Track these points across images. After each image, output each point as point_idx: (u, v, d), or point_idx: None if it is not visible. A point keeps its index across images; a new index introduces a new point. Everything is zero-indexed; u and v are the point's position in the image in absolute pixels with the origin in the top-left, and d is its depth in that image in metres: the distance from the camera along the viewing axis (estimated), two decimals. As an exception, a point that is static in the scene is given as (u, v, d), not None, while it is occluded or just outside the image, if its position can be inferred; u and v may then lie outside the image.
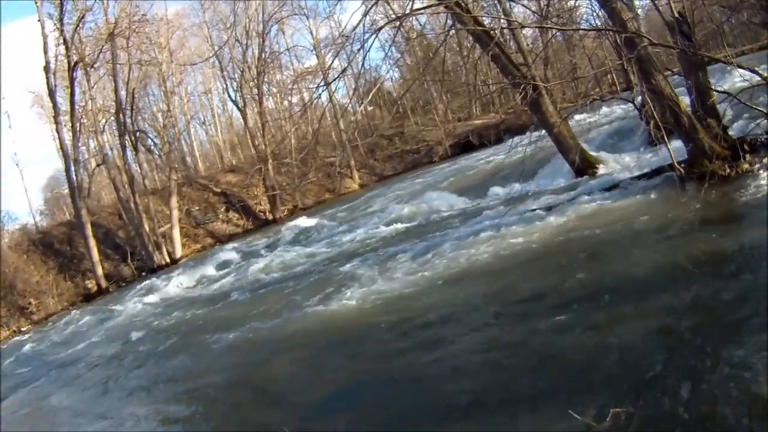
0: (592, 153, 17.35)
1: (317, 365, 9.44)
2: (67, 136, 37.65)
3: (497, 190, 19.46)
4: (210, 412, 9.22)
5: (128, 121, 40.75)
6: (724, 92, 11.48)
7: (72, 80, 36.89)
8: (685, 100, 11.95)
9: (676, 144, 12.04)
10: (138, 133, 42.86)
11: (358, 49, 14.36)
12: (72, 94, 37.25)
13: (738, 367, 5.20)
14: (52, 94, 37.39)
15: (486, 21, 17.37)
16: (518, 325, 8.09)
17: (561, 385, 6.06)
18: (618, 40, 12.68)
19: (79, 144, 39.23)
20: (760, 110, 10.52)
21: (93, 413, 11.28)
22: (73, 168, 36.99)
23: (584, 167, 16.49)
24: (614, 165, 16.29)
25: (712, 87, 11.79)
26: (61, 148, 37.91)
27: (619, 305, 7.41)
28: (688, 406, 4.97)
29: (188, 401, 10.05)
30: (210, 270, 25.51)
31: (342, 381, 8.39)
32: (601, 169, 16.20)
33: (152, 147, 46.65)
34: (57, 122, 38.02)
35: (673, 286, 7.50)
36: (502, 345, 7.61)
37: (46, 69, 36.47)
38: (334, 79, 20.74)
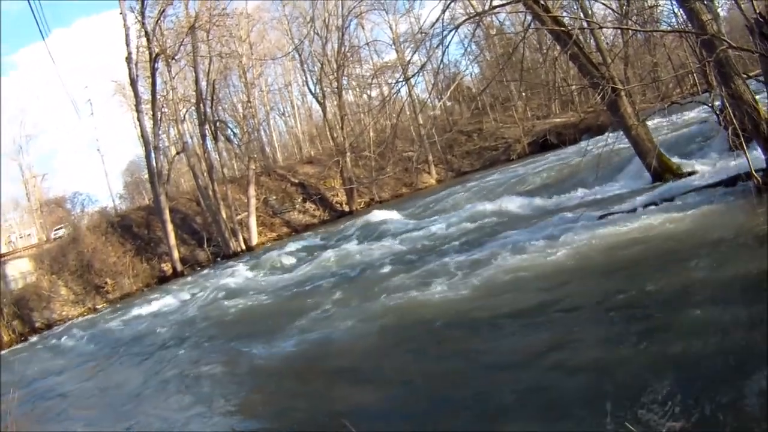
0: (670, 156, 16.95)
1: (379, 359, 9.61)
2: (148, 124, 38.93)
3: (572, 192, 19.18)
4: (270, 399, 9.44)
5: (208, 110, 41.78)
6: (804, 100, 11.07)
7: (153, 71, 38.12)
8: (765, 106, 11.54)
9: (756, 151, 11.68)
10: (218, 123, 43.92)
11: (438, 45, 14.38)
12: (153, 84, 38.51)
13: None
14: (134, 83, 38.72)
15: (565, 19, 17.14)
16: (578, 332, 8.00)
17: (618, 396, 5.97)
18: (697, 42, 12.34)
19: (160, 132, 40.59)
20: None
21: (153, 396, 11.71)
22: (153, 155, 38.27)
23: (661, 171, 16.13)
24: (691, 170, 15.87)
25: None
26: (142, 135, 39.30)
27: (683, 317, 7.24)
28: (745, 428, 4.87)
29: (250, 386, 10.34)
30: (285, 259, 25.98)
31: (400, 376, 8.50)
32: (678, 174, 15.83)
33: (231, 136, 47.81)
34: (138, 111, 39.39)
35: (741, 302, 7.29)
36: (560, 351, 7.55)
37: (128, 60, 37.80)
38: (414, 75, 20.90)
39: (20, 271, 37.01)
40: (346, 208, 45.72)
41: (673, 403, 5.51)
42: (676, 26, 16.65)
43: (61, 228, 50.34)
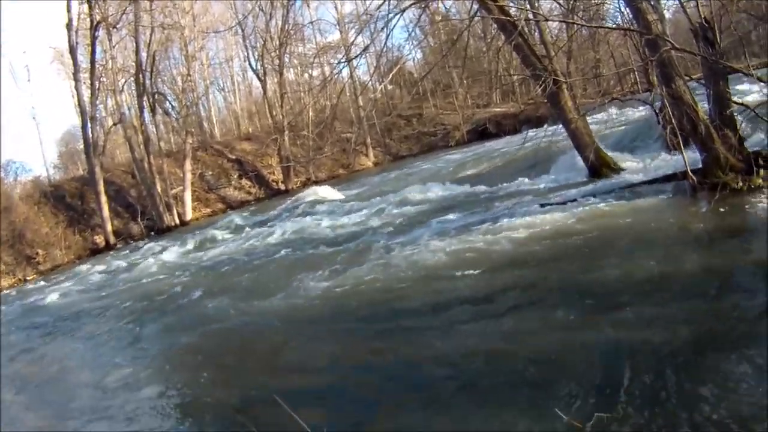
0: (608, 152, 17.23)
1: (306, 340, 9.51)
2: (86, 94, 37.80)
3: (507, 183, 19.28)
4: (195, 377, 9.25)
5: (147, 82, 40.85)
6: (741, 104, 11.34)
7: (93, 39, 37.08)
8: (704, 108, 11.80)
9: (693, 152, 11.95)
10: (156, 95, 42.94)
11: (382, 28, 14.32)
12: (92, 53, 37.47)
13: (727, 385, 5.20)
14: (73, 51, 37.49)
15: (512, 10, 17.23)
16: (507, 322, 8.03)
17: (548, 383, 6.06)
18: (641, 41, 12.56)
19: (97, 102, 39.46)
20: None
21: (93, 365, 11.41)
22: (89, 125, 37.16)
23: (598, 165, 16.38)
24: (628, 166, 16.16)
25: (732, 97, 11.59)
26: (79, 104, 38.11)
27: (611, 311, 7.35)
28: (670, 418, 4.98)
29: (176, 363, 10.15)
30: (218, 234, 25.66)
31: (329, 359, 8.41)
32: (615, 170, 16.11)
33: (170, 110, 46.75)
34: (76, 79, 38.13)
35: (669, 297, 7.46)
36: (489, 340, 7.60)
37: (68, 26, 36.53)
38: (357, 56, 20.71)
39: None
40: (282, 187, 45.33)
41: (603, 394, 5.64)
42: (622, 25, 16.92)
43: None
